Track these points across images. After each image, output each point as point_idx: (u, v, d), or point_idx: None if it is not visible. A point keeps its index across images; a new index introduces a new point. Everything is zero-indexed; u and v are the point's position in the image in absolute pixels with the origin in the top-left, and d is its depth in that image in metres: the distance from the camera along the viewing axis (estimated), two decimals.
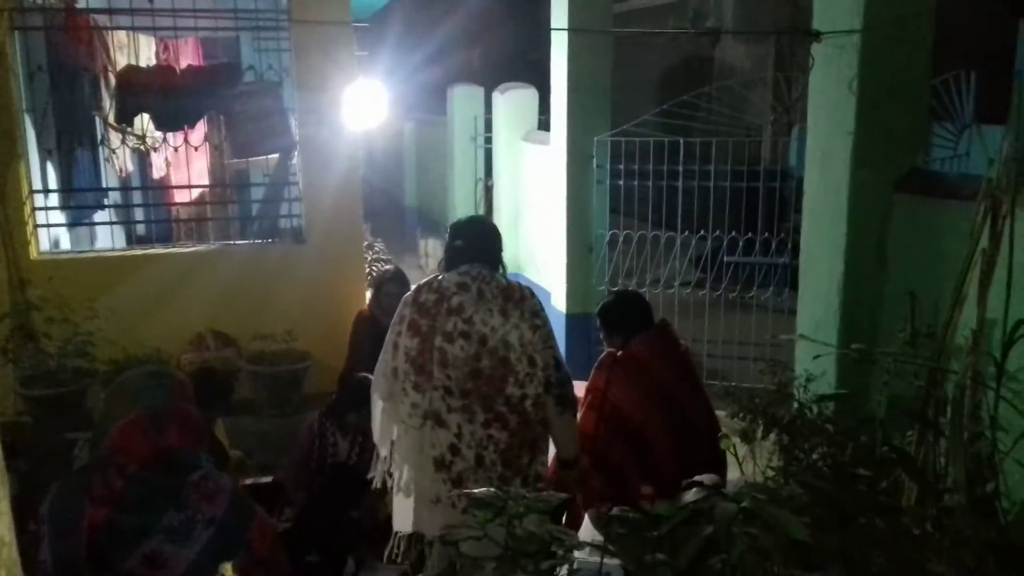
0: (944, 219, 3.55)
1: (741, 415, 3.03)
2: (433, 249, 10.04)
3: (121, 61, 5.76)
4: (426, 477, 3.08)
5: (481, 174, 9.35)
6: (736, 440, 3.00)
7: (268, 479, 3.87)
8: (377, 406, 3.19)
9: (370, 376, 3.29)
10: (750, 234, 5.98)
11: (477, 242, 3.24)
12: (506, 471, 3.06)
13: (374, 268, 6.44)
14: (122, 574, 2.42)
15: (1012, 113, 2.46)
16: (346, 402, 4.12)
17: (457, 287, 3.10)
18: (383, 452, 3.21)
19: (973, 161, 4.55)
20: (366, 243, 6.68)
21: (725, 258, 6.13)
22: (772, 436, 2.96)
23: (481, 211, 9.38)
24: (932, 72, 4.06)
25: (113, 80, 5.61)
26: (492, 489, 1.87)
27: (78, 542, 2.40)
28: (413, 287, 3.24)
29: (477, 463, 3.03)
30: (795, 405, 3.06)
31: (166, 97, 5.41)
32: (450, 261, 3.21)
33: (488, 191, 9.13)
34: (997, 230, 2.40)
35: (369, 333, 5.00)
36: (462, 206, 9.63)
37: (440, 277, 3.17)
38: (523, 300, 3.13)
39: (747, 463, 2.91)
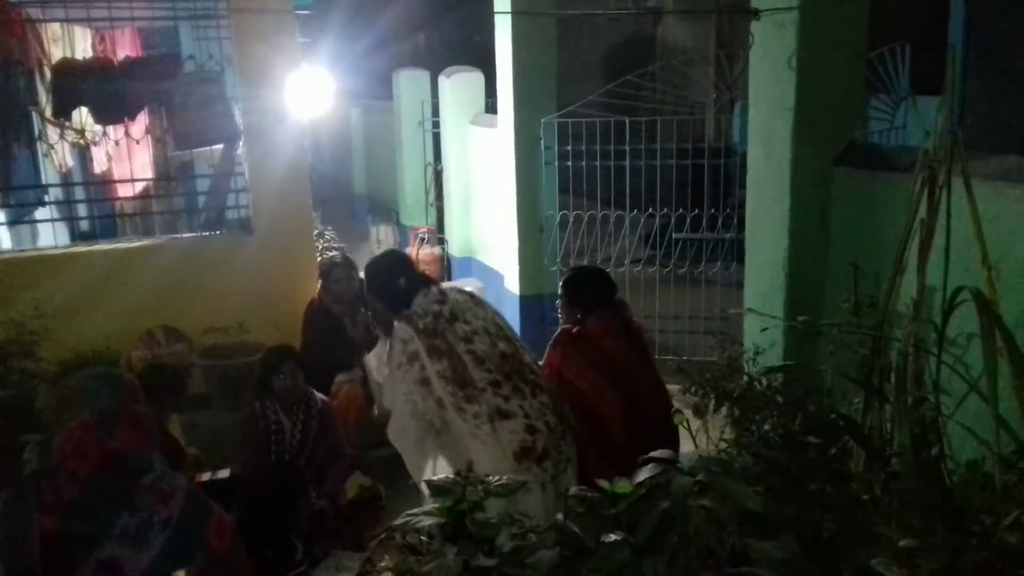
0: (883, 191, 3.63)
1: (693, 390, 3.09)
2: (384, 235, 9.97)
3: (56, 54, 5.61)
4: (506, 473, 3.12)
5: (430, 158, 9.30)
6: (689, 414, 3.06)
7: (226, 473, 3.84)
8: (433, 455, 3.17)
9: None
10: (697, 210, 6.04)
11: (413, 271, 3.46)
12: (562, 425, 3.24)
13: (325, 256, 6.39)
14: None
15: (946, 85, 2.52)
16: (265, 372, 4.15)
17: (438, 303, 3.26)
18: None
19: (910, 132, 4.65)
20: (316, 231, 6.62)
21: (673, 235, 6.19)
22: (724, 409, 3.02)
23: (431, 195, 9.35)
24: (868, 46, 4.13)
25: (48, 74, 5.47)
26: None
27: (30, 551, 2.36)
28: (400, 324, 3.26)
29: (549, 430, 3.17)
30: (745, 378, 3.12)
31: (104, 89, 5.29)
32: (404, 298, 3.30)
33: (437, 175, 9.09)
34: (935, 200, 2.46)
35: (320, 321, 4.97)
36: (412, 191, 9.58)
37: (412, 309, 3.26)
38: (476, 293, 3.46)
39: (700, 436, 2.96)
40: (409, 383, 3.16)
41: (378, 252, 3.82)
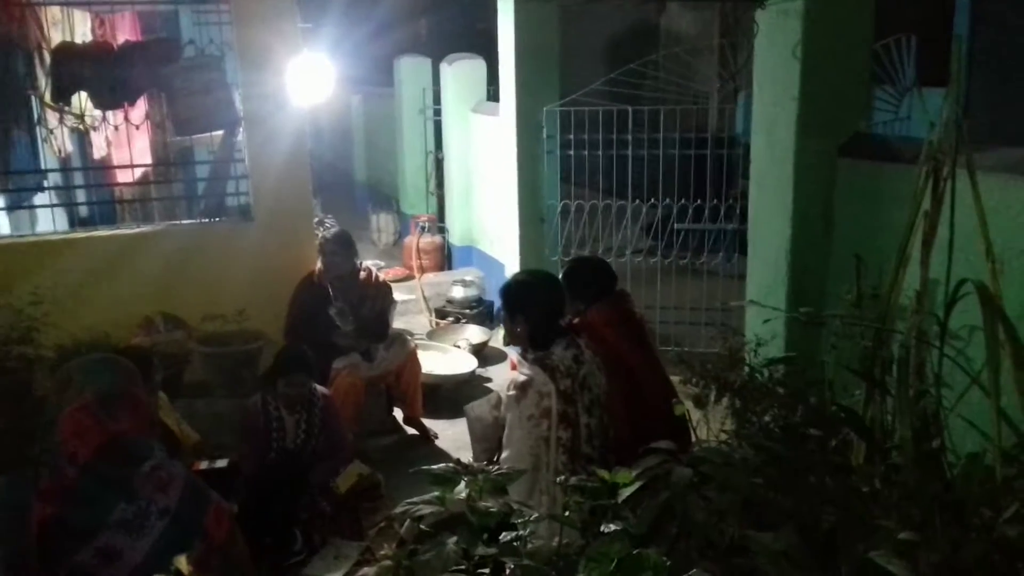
0: (887, 182, 3.61)
1: (694, 381, 3.07)
2: (385, 224, 9.95)
3: (56, 38, 5.58)
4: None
5: (431, 146, 9.28)
6: (690, 405, 3.05)
7: (224, 462, 3.83)
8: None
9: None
10: (699, 201, 6.02)
11: (564, 314, 3.40)
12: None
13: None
14: (74, 568, 2.38)
15: (952, 76, 2.50)
16: (274, 370, 4.09)
17: (575, 362, 3.19)
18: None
19: (915, 124, 4.61)
20: (317, 219, 6.62)
21: (675, 225, 6.17)
22: (724, 400, 3.00)
23: (432, 184, 9.33)
24: (873, 36, 4.11)
25: (48, 57, 5.44)
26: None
27: (27, 538, 2.36)
28: (540, 374, 3.15)
29: None
30: (746, 369, 3.11)
31: (104, 74, 5.26)
32: (548, 339, 3.23)
33: (438, 163, 9.07)
34: (939, 192, 2.44)
35: (304, 292, 4.98)
36: (412, 179, 9.56)
37: (552, 359, 3.17)
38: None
39: (701, 428, 2.95)
40: (536, 436, 3.11)
41: (530, 271, 3.55)
